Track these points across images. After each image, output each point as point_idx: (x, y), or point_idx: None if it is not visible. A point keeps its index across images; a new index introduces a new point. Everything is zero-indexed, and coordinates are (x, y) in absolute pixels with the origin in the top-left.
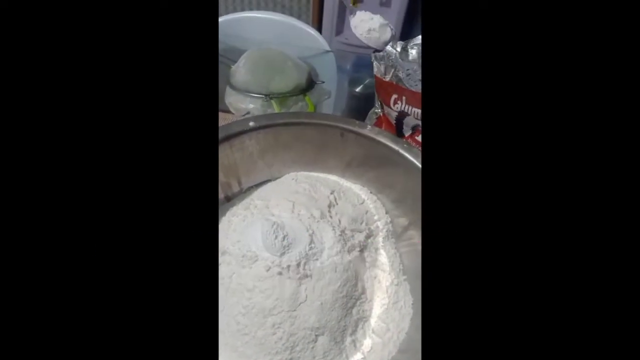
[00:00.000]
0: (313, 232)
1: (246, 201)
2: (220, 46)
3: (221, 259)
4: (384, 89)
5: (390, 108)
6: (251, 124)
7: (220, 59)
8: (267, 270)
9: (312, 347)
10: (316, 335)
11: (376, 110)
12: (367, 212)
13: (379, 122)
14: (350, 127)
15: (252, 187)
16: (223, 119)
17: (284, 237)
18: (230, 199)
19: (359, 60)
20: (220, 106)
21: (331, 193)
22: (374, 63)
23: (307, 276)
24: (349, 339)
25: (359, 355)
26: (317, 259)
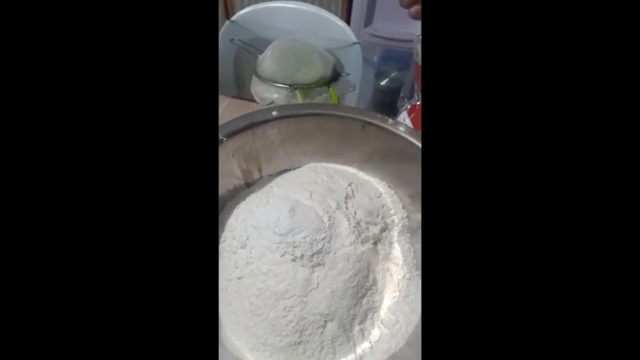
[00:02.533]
0: (328, 222)
1: (265, 188)
2: (249, 35)
3: (238, 242)
4: (418, 74)
5: None
6: (274, 113)
7: (247, 48)
8: (282, 256)
9: (321, 332)
10: (325, 321)
11: (415, 101)
12: (383, 205)
13: (411, 110)
14: (372, 120)
15: (271, 175)
16: (248, 108)
17: (299, 220)
18: (250, 186)
19: (386, 53)
20: (246, 95)
21: (349, 185)
22: (417, 48)
23: (319, 264)
24: (357, 328)
25: (366, 344)
26: (330, 249)
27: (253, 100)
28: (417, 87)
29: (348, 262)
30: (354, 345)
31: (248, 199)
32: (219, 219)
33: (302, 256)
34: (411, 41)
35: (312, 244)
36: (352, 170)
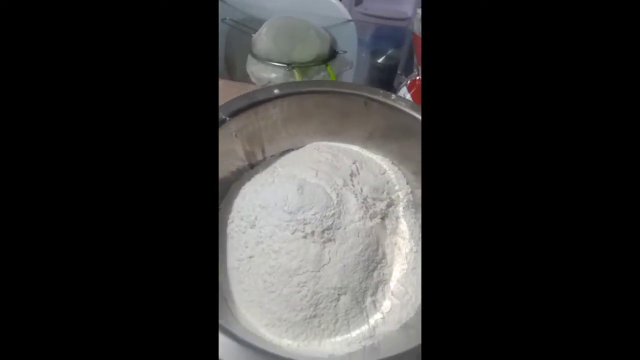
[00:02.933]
0: (336, 199)
1: (270, 169)
2: (241, 15)
3: (246, 222)
4: (418, 47)
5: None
6: (276, 91)
7: (241, 28)
8: (293, 233)
9: (335, 306)
10: (339, 295)
11: (414, 75)
12: (388, 182)
13: (411, 85)
14: (375, 97)
15: (274, 155)
16: (244, 89)
17: (308, 198)
18: (254, 167)
19: (378, 32)
20: (237, 78)
21: (353, 163)
22: (416, 21)
23: (330, 240)
24: (369, 300)
25: (378, 315)
26: (340, 224)
27: (249, 81)
28: (417, 60)
29: (358, 237)
30: (367, 316)
31: (253, 179)
32: (225, 200)
33: (312, 233)
34: (403, 20)
35: (322, 220)
36: (355, 148)
